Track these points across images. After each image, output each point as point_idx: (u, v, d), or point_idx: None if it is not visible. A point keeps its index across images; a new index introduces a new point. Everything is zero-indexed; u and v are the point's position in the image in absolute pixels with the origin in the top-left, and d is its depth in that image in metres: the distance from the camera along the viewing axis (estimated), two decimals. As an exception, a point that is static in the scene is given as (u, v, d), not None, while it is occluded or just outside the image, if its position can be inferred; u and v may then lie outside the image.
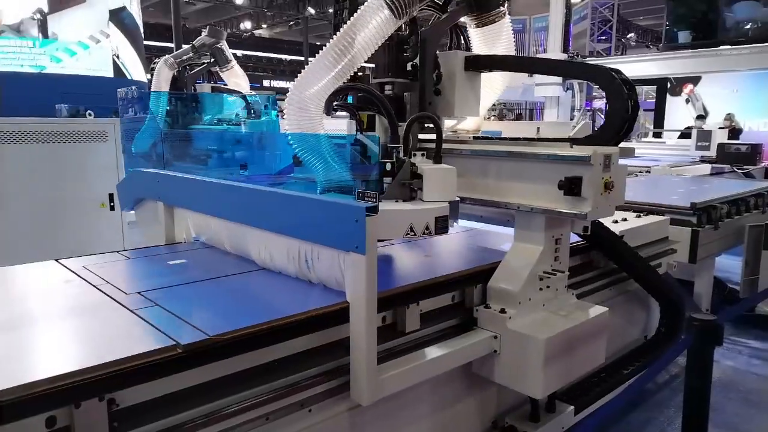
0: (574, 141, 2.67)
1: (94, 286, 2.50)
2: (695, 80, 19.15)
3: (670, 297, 3.80)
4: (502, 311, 2.63)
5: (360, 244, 2.04)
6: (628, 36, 25.59)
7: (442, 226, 2.42)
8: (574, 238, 3.05)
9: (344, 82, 2.88)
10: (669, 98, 20.47)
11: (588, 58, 20.61)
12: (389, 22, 2.74)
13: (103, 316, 2.16)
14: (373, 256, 2.06)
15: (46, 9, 9.62)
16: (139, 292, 2.38)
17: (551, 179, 2.58)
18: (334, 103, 2.84)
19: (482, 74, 3.39)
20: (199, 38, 6.47)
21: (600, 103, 22.91)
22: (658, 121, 20.60)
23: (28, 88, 6.96)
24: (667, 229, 4.41)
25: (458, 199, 2.65)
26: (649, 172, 8.25)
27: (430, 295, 2.60)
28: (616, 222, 3.98)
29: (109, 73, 10.32)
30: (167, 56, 6.50)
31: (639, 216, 4.35)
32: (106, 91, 5.60)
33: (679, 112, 19.41)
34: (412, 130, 2.85)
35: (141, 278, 2.67)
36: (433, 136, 3.28)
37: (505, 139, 3.28)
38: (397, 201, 2.51)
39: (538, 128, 6.66)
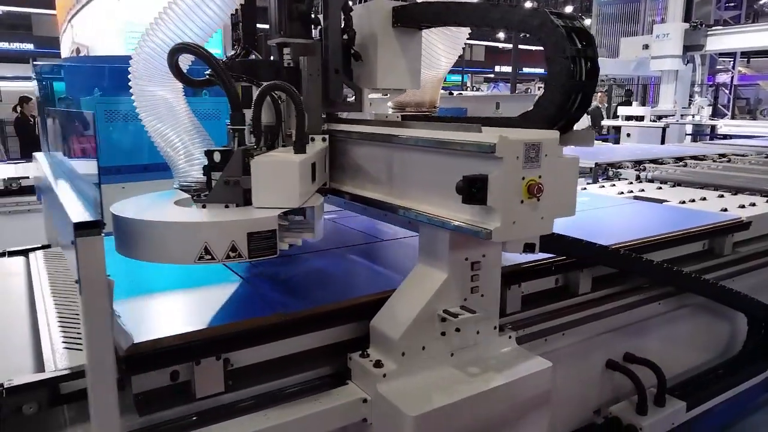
0: (488, 122, 1.82)
1: None
2: (842, 49, 16.37)
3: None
4: (377, 364, 1.85)
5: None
6: (761, 2, 22.31)
7: (263, 246, 1.68)
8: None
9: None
10: (810, 71, 17.77)
11: (713, 28, 18.22)
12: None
13: (220, 284, 2.22)
14: (96, 296, 1.37)
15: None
16: (250, 262, 2.32)
17: (454, 178, 1.75)
18: (206, 73, 2.17)
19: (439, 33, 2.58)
20: None
21: (725, 77, 20.29)
22: (794, 97, 17.92)
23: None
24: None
25: (316, 204, 1.90)
26: (780, 150, 7.34)
27: (281, 336, 1.89)
28: (742, 207, 3.63)
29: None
30: None
31: None
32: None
33: (820, 87, 16.73)
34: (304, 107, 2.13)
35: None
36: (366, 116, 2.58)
37: (412, 117, 2.44)
38: (227, 206, 1.82)
39: (498, 103, 5.52)
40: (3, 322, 2.03)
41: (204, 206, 1.83)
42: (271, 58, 2.45)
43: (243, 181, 1.79)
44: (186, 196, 2.02)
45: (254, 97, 1.93)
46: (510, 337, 2.09)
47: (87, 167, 1.93)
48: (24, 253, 2.75)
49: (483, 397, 1.80)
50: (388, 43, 2.33)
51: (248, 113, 1.98)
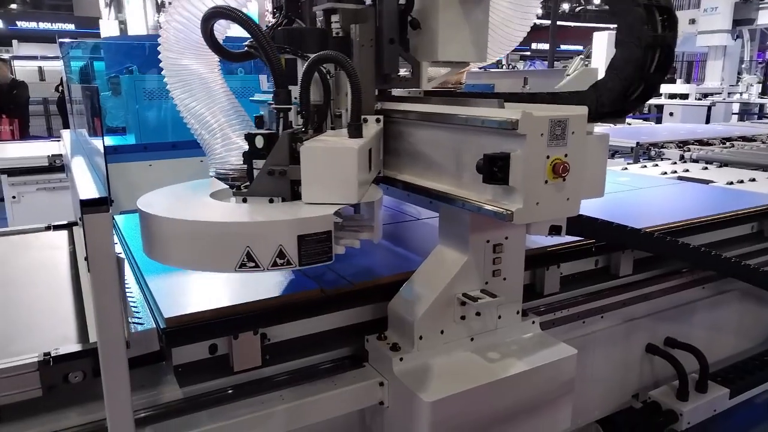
0: (517, 98, 1.73)
1: None
2: None
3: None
4: (394, 347, 1.81)
5: (90, 255, 1.35)
6: (818, -29, 21.18)
7: (316, 250, 1.50)
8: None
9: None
10: None
11: (765, 1, 17.37)
12: None
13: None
14: (105, 274, 1.35)
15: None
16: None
17: (475, 157, 1.67)
18: (245, 44, 2.04)
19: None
20: None
21: (776, 54, 19.39)
22: None
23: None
24: None
25: (375, 199, 1.77)
26: None
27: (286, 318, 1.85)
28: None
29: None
30: None
31: None
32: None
33: None
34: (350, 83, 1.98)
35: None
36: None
37: (435, 93, 2.33)
38: (271, 201, 1.65)
39: (526, 78, 5.31)
40: (49, 293, 2.07)
41: (245, 200, 1.67)
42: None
43: (290, 171, 1.61)
44: (224, 186, 1.88)
45: (301, 71, 1.75)
46: (533, 322, 2.02)
47: (99, 144, 1.89)
48: (68, 227, 2.80)
49: (502, 384, 1.74)
50: (451, 9, 2.04)
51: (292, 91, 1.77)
